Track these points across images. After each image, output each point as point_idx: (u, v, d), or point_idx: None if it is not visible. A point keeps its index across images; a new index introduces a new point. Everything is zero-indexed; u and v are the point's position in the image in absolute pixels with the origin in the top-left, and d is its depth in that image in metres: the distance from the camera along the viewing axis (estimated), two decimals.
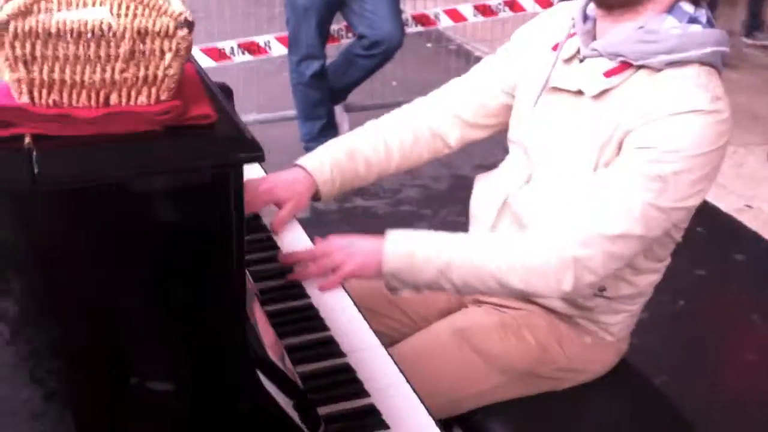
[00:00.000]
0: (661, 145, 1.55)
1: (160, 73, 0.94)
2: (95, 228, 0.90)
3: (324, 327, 1.61)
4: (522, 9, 4.91)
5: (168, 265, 0.96)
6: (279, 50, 4.51)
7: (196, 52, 4.27)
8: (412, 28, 4.86)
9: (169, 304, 0.97)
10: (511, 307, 1.86)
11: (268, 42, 4.48)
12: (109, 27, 0.90)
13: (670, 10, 1.62)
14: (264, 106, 4.83)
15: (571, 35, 1.74)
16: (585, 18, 1.72)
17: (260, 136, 3.88)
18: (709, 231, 3.99)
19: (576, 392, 1.88)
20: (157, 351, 0.97)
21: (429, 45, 5.78)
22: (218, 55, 4.35)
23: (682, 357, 3.11)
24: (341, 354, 1.55)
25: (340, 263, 1.69)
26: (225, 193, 0.94)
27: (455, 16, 4.94)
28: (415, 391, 1.50)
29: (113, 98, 0.95)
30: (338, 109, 4.54)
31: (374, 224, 3.93)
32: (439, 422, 1.85)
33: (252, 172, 2.13)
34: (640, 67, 1.62)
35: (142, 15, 0.94)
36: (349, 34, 4.52)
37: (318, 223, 3.93)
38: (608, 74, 1.64)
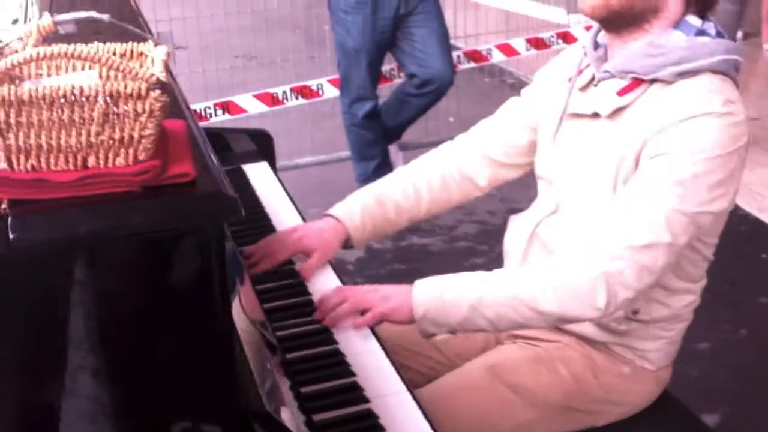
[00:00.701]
0: (677, 149, 1.55)
1: (135, 135, 0.96)
2: (72, 292, 0.91)
3: (349, 372, 1.61)
4: (575, 39, 4.87)
5: (151, 326, 0.97)
6: (331, 92, 4.56)
7: (249, 99, 4.35)
8: (466, 65, 4.87)
9: (153, 366, 0.98)
10: (545, 339, 1.84)
11: (321, 85, 4.54)
12: (81, 91, 0.92)
13: (677, 25, 1.65)
14: (319, 148, 4.88)
15: (584, 67, 1.77)
16: (596, 46, 1.75)
17: (316, 178, 3.98)
18: None
19: (616, 427, 1.83)
20: (142, 411, 0.98)
21: (486, 80, 5.78)
22: (271, 100, 4.41)
23: (744, 389, 3.01)
24: (365, 400, 1.54)
25: (372, 305, 1.69)
26: (205, 252, 0.95)
27: (508, 50, 4.94)
28: None
29: (91, 161, 0.97)
30: (393, 148, 4.56)
31: (430, 261, 3.92)
32: None
33: (289, 219, 2.17)
34: (652, 82, 1.63)
35: (115, 79, 0.96)
36: (401, 74, 4.54)
37: (373, 262, 3.95)
38: (621, 93, 1.66)
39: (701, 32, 1.64)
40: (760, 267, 3.81)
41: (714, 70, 1.60)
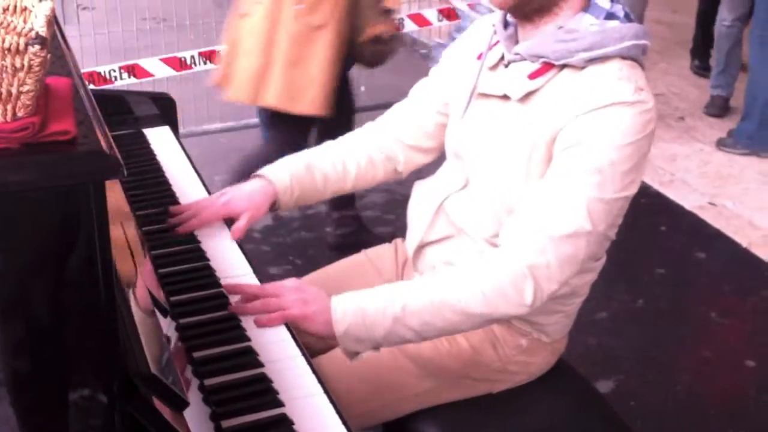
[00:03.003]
0: (592, 138, 1.56)
1: (14, 90, 0.93)
2: None
3: (244, 337, 1.61)
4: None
5: (29, 285, 0.95)
6: None
7: (156, 63, 4.27)
8: None
9: (33, 326, 0.96)
10: None
11: None
12: None
13: (587, 8, 1.64)
14: (228, 114, 4.82)
15: (493, 44, 1.76)
16: (506, 25, 1.74)
17: (224, 145, 3.94)
18: (670, 229, 4.01)
19: (511, 394, 1.87)
20: (20, 376, 0.96)
21: (399, 49, 5.77)
22: (179, 64, 4.34)
23: (638, 357, 3.12)
24: (259, 364, 1.54)
25: (288, 306, 1.64)
26: (85, 210, 0.93)
27: (420, 20, 4.94)
28: (332, 401, 1.49)
29: None
30: None
31: None
32: (376, 428, 1.88)
33: (191, 184, 2.14)
34: (563, 67, 1.63)
35: None
36: None
37: (280, 230, 3.94)
38: (532, 76, 1.65)
39: (610, 15, 1.64)
40: (658, 239, 3.92)
41: (623, 56, 1.61)
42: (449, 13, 4.96)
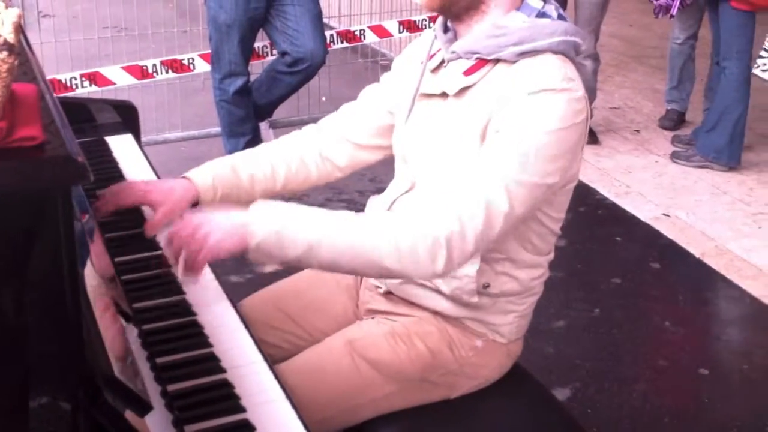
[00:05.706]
0: (518, 123, 1.61)
1: None
2: None
3: (206, 344, 1.62)
4: None
5: None
6: (203, 67, 4.52)
7: (117, 71, 4.26)
8: (339, 45, 4.90)
9: None
10: (403, 314, 1.89)
11: (192, 59, 4.48)
12: None
13: (519, 7, 1.71)
14: (190, 123, 4.82)
15: (434, 53, 1.82)
16: (446, 30, 1.81)
17: (186, 153, 3.92)
18: (626, 239, 4.07)
19: (469, 400, 1.89)
20: None
21: (359, 60, 5.82)
22: (141, 73, 4.33)
23: (595, 365, 3.16)
24: (221, 370, 1.56)
25: (198, 245, 1.61)
26: (52, 215, 0.95)
27: (381, 31, 4.98)
28: (294, 406, 1.51)
29: None
30: (264, 126, 4.55)
31: None
32: None
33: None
34: (496, 62, 1.69)
35: None
36: (274, 51, 4.53)
37: None
38: (467, 72, 1.71)
39: (542, 14, 1.70)
40: (614, 249, 3.98)
41: (554, 51, 1.66)
42: (410, 25, 5.00)
